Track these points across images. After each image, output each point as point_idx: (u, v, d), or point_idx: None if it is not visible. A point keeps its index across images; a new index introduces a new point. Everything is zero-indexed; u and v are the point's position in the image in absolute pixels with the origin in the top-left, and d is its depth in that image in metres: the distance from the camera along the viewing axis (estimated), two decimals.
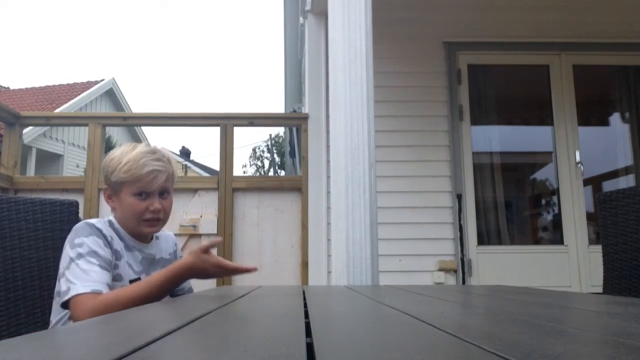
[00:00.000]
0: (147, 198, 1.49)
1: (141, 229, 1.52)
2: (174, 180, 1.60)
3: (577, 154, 4.19)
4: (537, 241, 4.55)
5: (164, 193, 1.54)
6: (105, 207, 3.83)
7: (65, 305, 1.32)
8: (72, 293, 1.31)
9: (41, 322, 1.61)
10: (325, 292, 1.52)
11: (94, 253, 1.37)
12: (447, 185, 4.09)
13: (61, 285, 1.35)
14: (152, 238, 1.62)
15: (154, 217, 1.50)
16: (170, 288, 1.39)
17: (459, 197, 4.07)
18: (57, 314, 1.42)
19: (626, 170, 4.57)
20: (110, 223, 1.51)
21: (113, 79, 16.14)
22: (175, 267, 1.38)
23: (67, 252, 1.38)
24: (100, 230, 1.43)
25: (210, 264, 1.37)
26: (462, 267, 3.97)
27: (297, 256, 3.80)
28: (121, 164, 1.48)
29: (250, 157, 30.17)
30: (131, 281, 1.48)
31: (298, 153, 5.71)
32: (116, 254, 1.45)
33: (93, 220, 1.46)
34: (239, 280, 3.50)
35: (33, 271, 1.62)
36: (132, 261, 1.50)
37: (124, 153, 1.51)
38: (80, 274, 1.34)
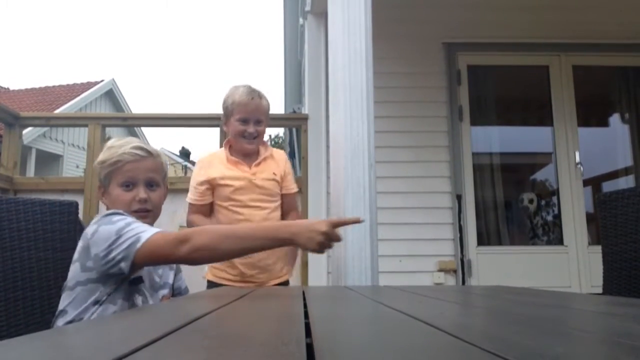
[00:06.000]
0: (133, 188, 1.48)
1: None
2: (163, 174, 1.57)
3: (577, 154, 4.19)
4: (537, 242, 4.54)
5: (152, 185, 1.51)
6: (104, 208, 3.83)
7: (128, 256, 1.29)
8: (151, 232, 1.29)
9: (41, 322, 1.60)
10: (325, 293, 1.52)
11: (135, 221, 1.36)
12: (447, 186, 4.09)
13: (123, 244, 1.30)
14: None
15: (141, 207, 1.48)
16: (273, 245, 1.41)
17: (459, 198, 4.07)
18: (68, 301, 1.37)
19: (626, 171, 4.57)
20: None
21: (113, 79, 16.14)
22: (301, 224, 1.38)
23: (107, 229, 1.33)
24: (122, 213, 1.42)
25: (330, 241, 1.36)
26: (462, 268, 3.97)
27: (297, 256, 3.80)
28: (107, 156, 1.48)
29: None
30: (132, 280, 1.46)
31: (298, 153, 5.72)
32: None
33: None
34: None
35: (33, 271, 1.62)
36: None
37: (110, 149, 1.52)
38: (144, 226, 1.33)
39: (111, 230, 1.32)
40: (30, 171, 12.43)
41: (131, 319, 0.81)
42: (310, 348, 0.45)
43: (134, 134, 17.33)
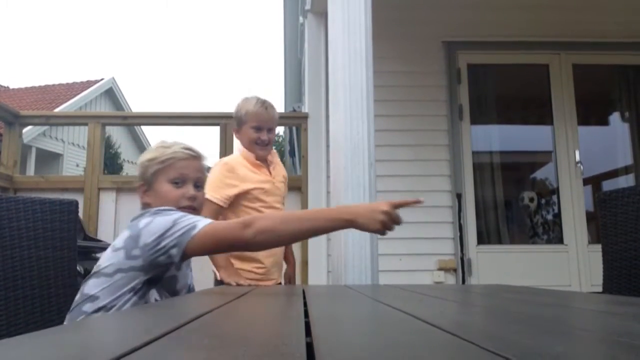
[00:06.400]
0: (182, 186, 1.51)
1: None
2: (206, 176, 1.63)
3: (577, 153, 4.19)
4: (537, 240, 4.54)
5: (198, 186, 1.56)
6: (104, 207, 3.83)
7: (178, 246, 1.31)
8: (208, 221, 1.32)
9: (41, 321, 1.61)
10: (325, 292, 1.52)
11: (189, 214, 1.39)
12: (447, 185, 4.09)
13: (177, 232, 1.31)
14: None
15: (189, 204, 1.50)
16: (335, 226, 1.41)
17: (459, 197, 4.07)
18: (102, 286, 1.35)
19: (626, 170, 4.57)
20: None
21: (113, 78, 16.11)
22: (362, 205, 1.41)
23: (163, 220, 1.35)
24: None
25: (392, 222, 1.38)
26: (462, 267, 3.97)
27: (297, 255, 3.80)
28: (158, 154, 1.52)
29: None
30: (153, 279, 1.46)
31: (298, 152, 5.72)
32: None
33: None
34: None
35: (33, 271, 1.62)
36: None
37: (160, 148, 1.56)
38: (199, 217, 1.36)
39: (167, 220, 1.34)
40: (30, 170, 12.42)
41: (132, 318, 0.82)
42: (310, 347, 0.45)
43: (134, 133, 17.34)
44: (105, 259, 1.39)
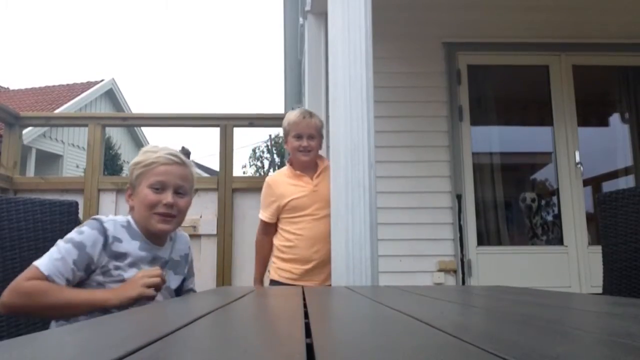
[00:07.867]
0: (162, 192, 1.51)
1: (152, 222, 1.50)
2: (191, 184, 1.61)
3: (577, 154, 4.19)
4: (537, 242, 4.54)
5: (180, 193, 1.55)
6: (104, 209, 3.83)
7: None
8: (36, 263, 1.35)
9: (40, 322, 1.61)
10: (325, 293, 1.52)
11: (81, 246, 1.38)
12: (447, 186, 4.09)
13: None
14: (169, 239, 1.61)
15: (166, 211, 1.50)
16: (90, 311, 1.35)
17: (459, 198, 4.07)
18: None
19: (626, 171, 4.57)
20: (128, 223, 1.51)
21: (113, 79, 16.13)
22: (115, 289, 1.39)
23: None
24: (105, 230, 1.43)
25: (153, 277, 1.39)
26: (462, 268, 3.97)
27: None
28: (144, 158, 1.55)
29: (250, 157, 30.07)
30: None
31: None
32: (118, 256, 1.44)
33: (110, 217, 1.48)
34: (239, 281, 3.50)
35: None
36: (142, 263, 1.48)
37: (147, 152, 1.58)
38: (55, 254, 1.37)
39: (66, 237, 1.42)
40: (30, 171, 12.43)
41: (131, 319, 0.82)
42: (310, 348, 0.45)
43: (134, 134, 17.35)
44: None
